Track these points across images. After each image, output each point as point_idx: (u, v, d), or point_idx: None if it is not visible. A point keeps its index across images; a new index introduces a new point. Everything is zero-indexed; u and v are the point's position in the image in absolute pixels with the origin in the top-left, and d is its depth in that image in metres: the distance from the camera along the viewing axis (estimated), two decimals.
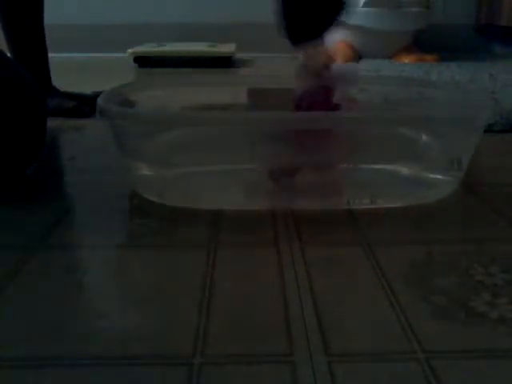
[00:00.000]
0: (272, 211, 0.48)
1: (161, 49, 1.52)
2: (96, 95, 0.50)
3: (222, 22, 1.61)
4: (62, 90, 0.89)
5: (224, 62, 1.44)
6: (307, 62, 0.50)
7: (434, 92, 0.62)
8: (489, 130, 0.72)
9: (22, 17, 0.81)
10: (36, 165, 0.58)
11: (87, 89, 0.91)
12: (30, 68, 0.63)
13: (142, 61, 1.49)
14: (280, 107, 0.51)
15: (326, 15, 0.50)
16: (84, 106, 0.84)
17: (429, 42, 1.59)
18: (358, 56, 1.50)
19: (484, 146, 0.61)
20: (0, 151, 0.51)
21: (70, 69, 1.39)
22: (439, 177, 0.53)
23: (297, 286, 0.36)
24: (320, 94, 0.49)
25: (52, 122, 0.58)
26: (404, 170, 0.52)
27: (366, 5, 1.44)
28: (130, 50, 1.49)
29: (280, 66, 1.51)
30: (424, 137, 0.51)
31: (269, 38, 1.66)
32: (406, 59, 1.47)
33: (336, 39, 1.55)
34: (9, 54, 0.73)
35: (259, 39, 1.66)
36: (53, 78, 0.89)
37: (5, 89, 0.52)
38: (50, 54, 0.88)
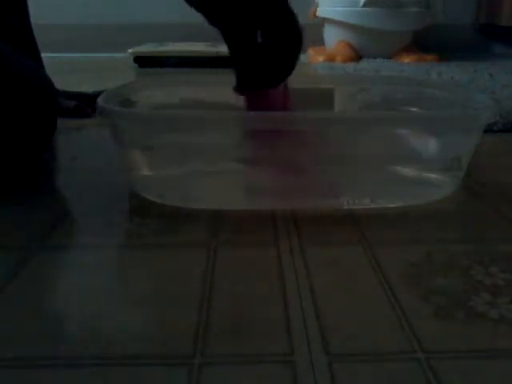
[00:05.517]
0: (272, 211, 0.48)
1: (161, 49, 1.52)
2: (96, 95, 0.50)
3: None
4: (61, 89, 0.89)
5: (224, 62, 1.44)
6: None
7: (434, 92, 0.62)
8: (489, 129, 0.72)
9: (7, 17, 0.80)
10: (40, 161, 0.58)
11: (87, 89, 0.92)
12: None
13: (142, 61, 1.49)
14: None
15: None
16: (85, 105, 0.84)
17: (429, 42, 1.60)
18: (358, 56, 1.50)
19: (484, 145, 0.61)
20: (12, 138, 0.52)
21: (69, 69, 1.39)
22: (439, 177, 0.53)
23: (297, 286, 0.36)
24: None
25: None
26: (404, 170, 0.52)
27: (365, 5, 1.44)
28: (130, 50, 1.49)
29: None
30: (424, 137, 0.51)
31: None
32: (406, 59, 1.47)
33: (336, 39, 1.55)
34: None
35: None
36: (53, 78, 0.89)
37: (18, 80, 0.52)
38: (50, 54, 0.87)
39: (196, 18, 0.49)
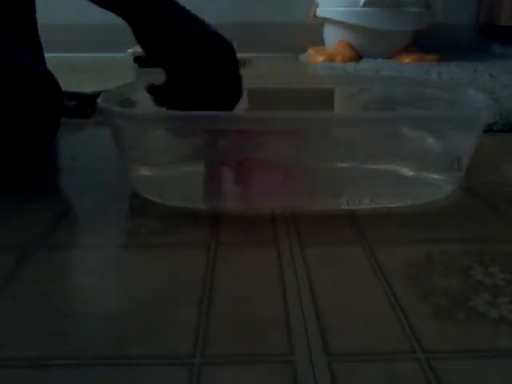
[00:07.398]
0: (272, 211, 0.48)
1: None
2: (96, 95, 0.50)
3: (222, 21, 1.60)
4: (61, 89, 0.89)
5: None
6: None
7: (434, 92, 0.62)
8: (489, 129, 0.72)
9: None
10: (40, 161, 0.58)
11: (87, 89, 0.91)
12: None
13: (142, 61, 1.49)
14: (279, 107, 0.51)
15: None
16: (84, 105, 0.84)
17: (429, 42, 1.60)
18: (358, 56, 1.50)
19: (484, 145, 0.61)
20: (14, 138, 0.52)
21: (70, 69, 1.39)
22: (439, 177, 0.53)
23: (297, 286, 0.36)
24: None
25: None
26: (404, 170, 0.52)
27: (366, 5, 1.44)
28: (130, 50, 1.49)
29: (280, 66, 1.50)
30: (424, 137, 0.51)
31: (269, 38, 1.67)
32: (406, 59, 1.47)
33: (336, 39, 1.55)
34: None
35: (259, 39, 1.65)
36: None
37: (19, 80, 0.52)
38: (50, 54, 0.87)
39: None
